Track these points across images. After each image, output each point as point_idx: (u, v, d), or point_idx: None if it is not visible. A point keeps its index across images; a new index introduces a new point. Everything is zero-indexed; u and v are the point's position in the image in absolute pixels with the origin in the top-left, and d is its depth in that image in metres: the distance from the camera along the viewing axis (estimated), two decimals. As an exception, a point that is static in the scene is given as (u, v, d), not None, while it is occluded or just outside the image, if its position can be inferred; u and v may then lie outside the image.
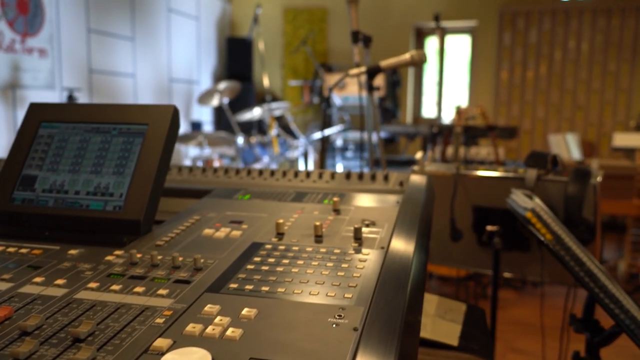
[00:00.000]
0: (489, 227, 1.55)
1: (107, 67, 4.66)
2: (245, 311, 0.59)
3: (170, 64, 5.65)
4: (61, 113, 0.98)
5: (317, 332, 0.55)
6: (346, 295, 0.64)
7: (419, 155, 1.69)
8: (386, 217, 0.91)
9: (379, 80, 6.02)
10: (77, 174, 0.91)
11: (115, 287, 0.66)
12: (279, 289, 0.65)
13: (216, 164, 5.11)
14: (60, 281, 0.68)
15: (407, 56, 1.66)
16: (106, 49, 4.65)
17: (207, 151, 4.53)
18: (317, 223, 0.83)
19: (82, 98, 4.29)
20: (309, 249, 0.78)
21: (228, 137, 4.40)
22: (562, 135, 4.73)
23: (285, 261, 0.74)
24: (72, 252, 0.79)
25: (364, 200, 1.03)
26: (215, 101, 4.45)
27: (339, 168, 5.73)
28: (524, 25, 6.18)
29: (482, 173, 1.60)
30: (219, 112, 6.25)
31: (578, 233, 1.43)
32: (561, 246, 1.04)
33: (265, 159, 4.74)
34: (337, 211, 0.96)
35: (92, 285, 0.67)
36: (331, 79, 6.09)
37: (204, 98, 4.43)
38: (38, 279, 0.69)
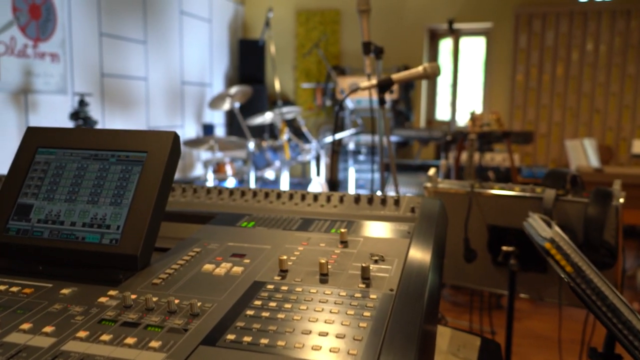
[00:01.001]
0: (505, 248, 1.50)
1: (119, 71, 4.66)
2: (241, 372, 0.55)
3: (182, 67, 5.64)
4: (59, 138, 0.94)
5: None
6: (351, 352, 0.59)
7: (431, 172, 1.64)
8: (396, 252, 0.86)
9: (392, 83, 5.95)
10: (73, 204, 0.88)
11: (105, 337, 0.62)
12: (279, 342, 0.61)
13: (228, 167, 5.09)
14: (48, 328, 0.64)
15: (419, 69, 1.61)
16: (118, 53, 4.64)
17: (218, 155, 4.51)
18: (322, 260, 0.79)
19: (93, 102, 4.28)
20: (313, 290, 0.74)
21: (239, 141, 4.37)
22: (579, 141, 4.63)
23: (288, 305, 0.70)
24: (65, 291, 0.75)
25: (374, 230, 0.98)
26: (226, 105, 4.43)
27: (351, 172, 5.69)
28: (540, 27, 6.07)
29: (497, 192, 1.54)
30: (231, 114, 6.22)
31: (598, 257, 1.37)
32: (582, 279, 0.98)
33: (277, 164, 4.71)
34: (344, 243, 0.91)
35: (82, 334, 0.63)
36: (344, 81, 6.04)
37: (215, 102, 4.40)
38: (25, 326, 0.65)
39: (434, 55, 6.67)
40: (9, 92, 3.59)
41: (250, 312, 0.68)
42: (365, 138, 5.87)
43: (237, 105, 4.45)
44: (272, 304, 0.70)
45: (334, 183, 6.46)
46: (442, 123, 6.66)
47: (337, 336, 0.62)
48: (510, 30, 6.15)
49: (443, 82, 6.74)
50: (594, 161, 4.46)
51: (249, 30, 6.95)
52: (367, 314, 0.67)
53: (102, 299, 0.72)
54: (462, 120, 6.21)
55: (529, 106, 6.20)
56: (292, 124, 5.86)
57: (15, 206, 0.89)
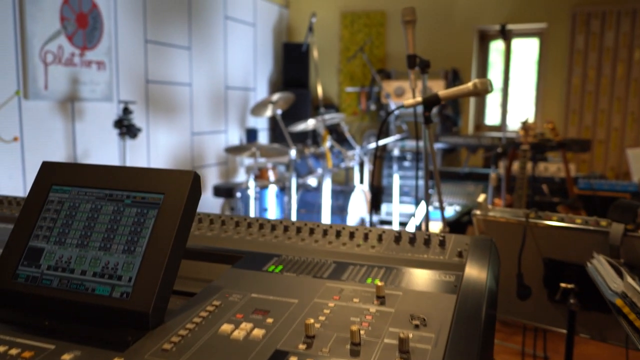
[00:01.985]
0: (564, 285, 1.35)
1: (163, 78, 4.69)
2: None
3: (226, 72, 5.64)
4: (73, 175, 0.88)
5: None
6: None
7: (481, 198, 1.50)
8: (440, 314, 0.75)
9: (439, 87, 5.77)
10: (85, 250, 0.81)
11: None
12: None
13: (270, 173, 5.04)
14: (39, 411, 0.57)
15: (469, 85, 1.48)
16: (163, 59, 4.67)
17: (261, 160, 4.47)
18: (354, 328, 0.68)
19: (138, 109, 4.32)
20: (342, 367, 0.64)
21: (281, 148, 4.31)
22: (642, 149, 4.32)
23: (311, 388, 0.60)
24: (66, 357, 0.67)
25: (415, 280, 0.87)
26: (268, 112, 4.37)
27: (395, 179, 5.54)
28: (599, 26, 5.74)
29: (556, 224, 1.39)
30: (274, 119, 6.19)
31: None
32: (661, 343, 0.83)
33: (319, 171, 4.62)
34: (380, 299, 0.80)
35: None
36: (389, 85, 5.90)
37: (256, 110, 4.36)
38: (15, 406, 0.58)
39: (484, 58, 6.42)
40: (56, 100, 3.65)
41: (267, 397, 0.59)
42: (411, 144, 5.71)
43: (279, 112, 4.39)
44: (294, 385, 0.60)
45: (378, 190, 6.33)
46: (491, 128, 6.41)
47: None
48: (566, 31, 5.84)
49: (493, 86, 6.48)
50: (658, 172, 4.15)
51: (293, 34, 6.90)
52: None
53: (105, 369, 0.65)
54: (513, 125, 5.95)
55: (585, 111, 5.88)
56: (335, 129, 5.76)
57: (26, 250, 0.84)
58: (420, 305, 0.78)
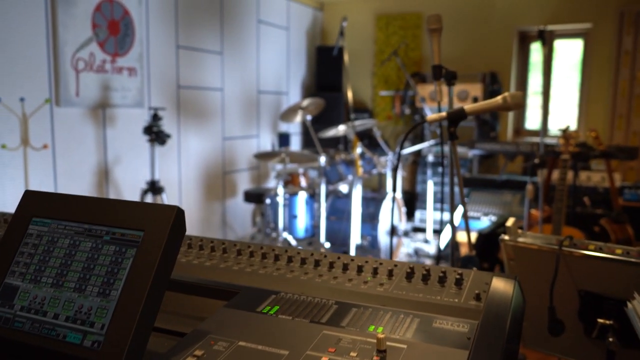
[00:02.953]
0: (601, 321, 1.22)
1: (195, 83, 4.68)
2: None
3: (258, 76, 5.60)
4: (55, 207, 0.82)
5: None
6: None
7: (510, 222, 1.38)
8: (448, 377, 0.65)
9: (476, 90, 5.58)
10: (59, 290, 0.75)
11: None
12: None
13: (302, 178, 4.97)
14: None
15: (498, 99, 1.36)
16: (194, 65, 4.67)
17: (292, 166, 4.41)
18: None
19: (169, 115, 4.33)
20: None
21: (311, 155, 4.23)
22: (694, 158, 4.04)
23: None
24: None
25: (423, 330, 0.77)
26: (298, 118, 4.31)
27: (430, 185, 5.38)
28: (648, 26, 5.42)
29: (593, 253, 1.25)
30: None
31: None
32: None
33: (350, 177, 4.53)
34: (381, 354, 0.71)
35: None
36: (423, 89, 5.75)
37: (286, 115, 4.30)
38: None
39: (524, 60, 6.19)
40: (87, 107, 3.68)
41: None
42: (446, 149, 5.53)
43: (308, 117, 4.32)
44: None
45: (411, 196, 6.18)
46: (532, 133, 6.17)
47: None
48: (613, 31, 5.55)
49: (533, 89, 6.24)
50: None
51: (327, 37, 6.82)
52: None
53: None
54: (555, 129, 5.70)
55: (634, 115, 5.57)
56: (368, 134, 5.65)
57: (2, 287, 0.78)
58: (426, 363, 0.69)
